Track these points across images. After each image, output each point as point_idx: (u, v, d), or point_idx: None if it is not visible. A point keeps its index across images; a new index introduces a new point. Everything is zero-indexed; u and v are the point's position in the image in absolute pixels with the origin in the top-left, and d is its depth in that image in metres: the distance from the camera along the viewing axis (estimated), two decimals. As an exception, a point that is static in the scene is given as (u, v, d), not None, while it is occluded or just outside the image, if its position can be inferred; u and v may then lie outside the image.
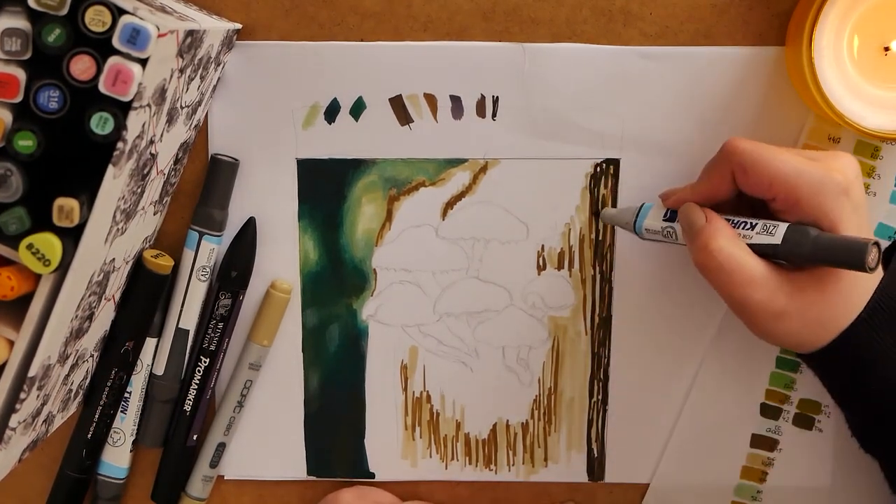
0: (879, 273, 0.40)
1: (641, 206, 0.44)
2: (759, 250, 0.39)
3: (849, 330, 0.39)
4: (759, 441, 0.48)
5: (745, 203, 0.41)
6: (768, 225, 0.39)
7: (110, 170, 0.35)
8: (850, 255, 0.36)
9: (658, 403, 0.48)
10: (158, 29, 0.34)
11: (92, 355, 0.44)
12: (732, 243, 0.39)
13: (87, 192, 0.36)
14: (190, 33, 0.37)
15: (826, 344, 0.39)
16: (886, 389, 0.40)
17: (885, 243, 0.43)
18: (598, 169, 0.46)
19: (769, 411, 0.48)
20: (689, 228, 0.41)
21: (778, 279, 0.39)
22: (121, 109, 0.35)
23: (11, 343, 0.37)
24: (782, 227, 0.38)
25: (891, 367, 0.39)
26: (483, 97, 0.45)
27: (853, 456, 0.47)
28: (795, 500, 0.48)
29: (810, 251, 0.37)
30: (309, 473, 0.49)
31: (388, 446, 0.49)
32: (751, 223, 0.39)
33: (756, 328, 0.40)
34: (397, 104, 0.46)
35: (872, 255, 0.36)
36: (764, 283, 0.38)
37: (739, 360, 0.47)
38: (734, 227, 0.40)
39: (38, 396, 0.39)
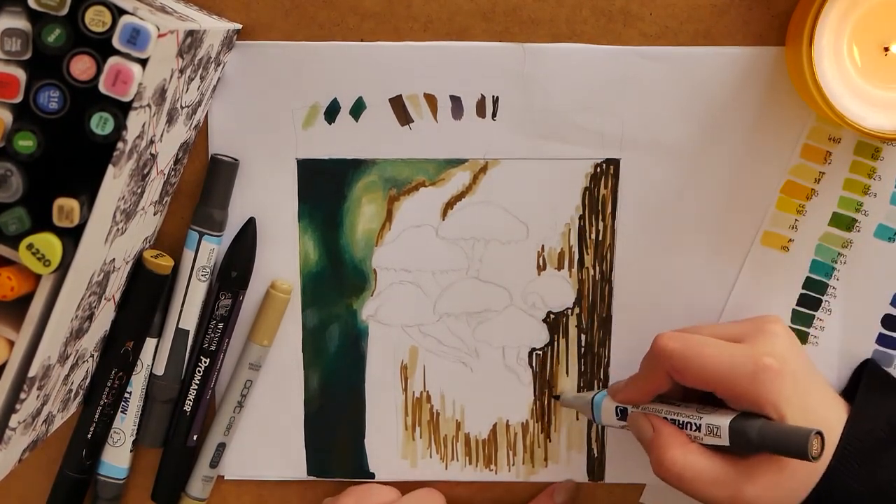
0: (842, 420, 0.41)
1: (594, 395, 0.45)
2: (711, 446, 0.40)
3: (819, 486, 0.40)
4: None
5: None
6: (711, 426, 0.40)
7: (110, 170, 0.35)
8: (794, 447, 0.37)
9: (658, 404, 0.48)
10: (158, 29, 0.34)
11: (92, 355, 0.44)
12: (683, 453, 0.40)
13: (87, 192, 0.36)
14: (190, 33, 0.37)
15: (803, 500, 0.40)
16: None
17: (835, 427, 0.43)
18: (598, 169, 0.46)
19: None
20: (640, 440, 0.42)
21: (735, 472, 0.39)
22: (121, 109, 0.35)
23: (11, 343, 0.37)
24: (725, 427, 0.40)
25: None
26: (483, 97, 0.45)
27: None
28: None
29: (756, 446, 0.39)
30: (309, 473, 0.49)
31: (388, 446, 0.49)
32: (696, 424, 0.41)
33: None
34: (397, 104, 0.46)
35: (814, 445, 0.37)
36: (723, 481, 0.39)
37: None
38: (682, 427, 0.41)
39: (38, 396, 0.39)
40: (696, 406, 0.42)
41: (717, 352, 0.40)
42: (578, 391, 0.48)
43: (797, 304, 0.47)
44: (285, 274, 0.47)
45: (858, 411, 0.42)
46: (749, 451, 0.39)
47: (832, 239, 0.46)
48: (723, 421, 0.40)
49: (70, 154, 0.37)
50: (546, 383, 0.48)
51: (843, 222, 0.46)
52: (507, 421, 0.48)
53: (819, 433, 0.37)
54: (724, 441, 0.40)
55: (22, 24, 0.34)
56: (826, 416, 0.41)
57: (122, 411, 0.47)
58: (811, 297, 0.47)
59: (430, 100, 0.46)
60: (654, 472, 0.41)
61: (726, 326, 0.43)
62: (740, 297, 0.47)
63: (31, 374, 0.37)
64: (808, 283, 0.47)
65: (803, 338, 0.47)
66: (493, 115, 0.46)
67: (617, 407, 0.44)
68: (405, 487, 0.49)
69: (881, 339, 0.47)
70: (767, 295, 0.47)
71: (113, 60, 0.34)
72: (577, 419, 0.48)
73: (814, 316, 0.47)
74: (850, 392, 0.45)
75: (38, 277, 0.36)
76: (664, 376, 0.41)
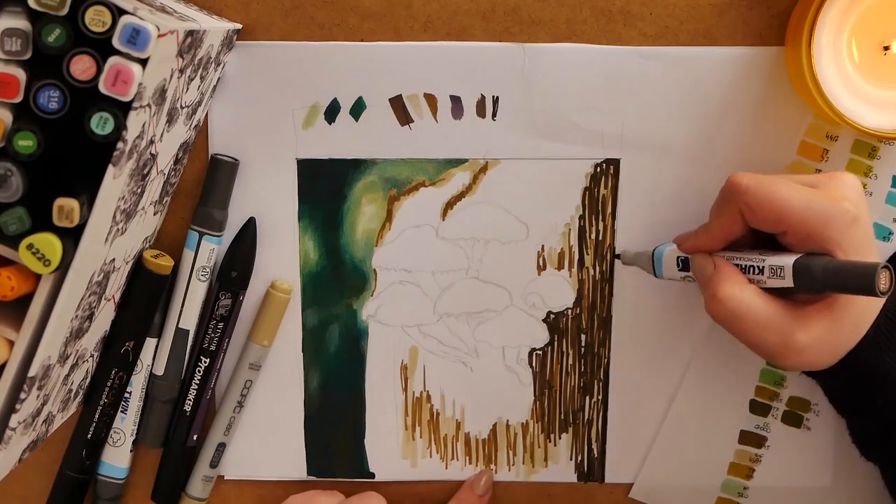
0: None
1: (654, 249, 0.45)
2: (773, 289, 0.39)
3: (856, 349, 0.39)
4: (747, 438, 0.48)
5: (760, 234, 0.41)
6: (775, 267, 0.39)
7: (110, 170, 0.35)
8: (862, 281, 0.36)
9: (658, 403, 0.48)
10: (158, 29, 0.34)
11: (92, 355, 0.44)
12: (741, 289, 0.39)
13: (87, 192, 0.36)
14: (190, 33, 0.37)
15: (834, 363, 0.40)
16: (893, 404, 0.40)
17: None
18: (598, 169, 0.46)
19: (758, 408, 0.48)
20: (700, 278, 0.41)
21: (790, 317, 0.39)
22: (121, 109, 0.35)
23: (11, 343, 0.37)
24: (789, 266, 0.38)
25: None
26: (483, 97, 0.45)
27: (842, 455, 0.47)
28: (782, 498, 0.48)
29: (821, 283, 0.38)
30: (309, 473, 0.49)
31: (388, 446, 0.49)
32: (758, 267, 0.40)
33: (775, 362, 0.40)
34: (397, 104, 0.46)
35: (883, 279, 0.36)
36: (776, 325, 0.39)
37: (730, 357, 0.47)
38: (745, 271, 0.40)
39: (38, 396, 0.39)
40: (760, 250, 0.40)
41: (793, 191, 0.39)
42: (583, 390, 0.48)
43: (796, 303, 0.47)
44: (285, 274, 0.47)
45: None
46: (814, 290, 0.38)
47: (830, 238, 0.46)
48: (787, 261, 0.38)
49: (70, 154, 0.37)
50: (546, 383, 0.48)
51: (841, 221, 0.46)
52: (507, 421, 0.49)
53: (887, 267, 0.36)
54: (789, 281, 0.38)
55: (22, 24, 0.34)
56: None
57: (122, 411, 0.47)
58: (809, 296, 0.47)
59: (430, 100, 0.46)
60: (707, 309, 0.40)
61: (799, 176, 0.41)
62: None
63: (31, 374, 0.37)
64: (807, 282, 0.47)
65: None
66: (493, 115, 0.46)
67: (679, 257, 0.43)
68: (405, 487, 0.49)
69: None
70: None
71: (113, 60, 0.34)
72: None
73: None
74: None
75: (38, 277, 0.36)
76: (737, 217, 0.40)
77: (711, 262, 0.41)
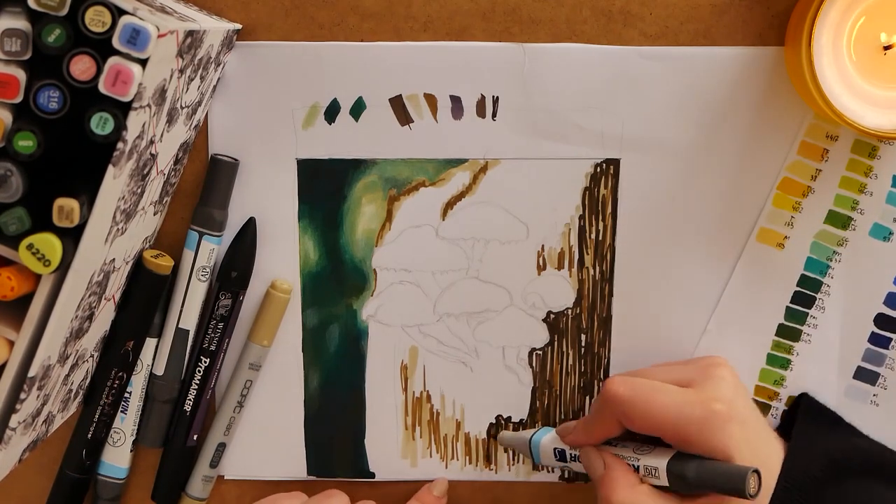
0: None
1: (534, 433, 0.46)
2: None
3: None
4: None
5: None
6: (649, 468, 0.41)
7: (110, 170, 0.35)
8: (732, 485, 0.38)
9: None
10: (158, 29, 0.34)
11: (92, 355, 0.44)
12: (633, 493, 0.40)
13: (87, 192, 0.36)
14: (190, 33, 0.37)
15: None
16: None
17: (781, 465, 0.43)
18: (598, 169, 0.46)
19: (758, 408, 0.48)
20: (591, 474, 0.43)
21: None
22: (121, 110, 0.35)
23: (11, 343, 0.37)
24: (662, 468, 0.40)
25: None
26: (483, 97, 0.45)
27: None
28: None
29: (694, 484, 0.39)
30: (309, 473, 0.49)
31: (388, 446, 0.49)
32: (633, 465, 0.41)
33: None
34: (397, 104, 0.46)
35: (752, 483, 0.37)
36: None
37: (730, 357, 0.47)
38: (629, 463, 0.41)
39: (38, 396, 0.39)
40: (634, 446, 0.42)
41: (666, 399, 0.40)
42: (583, 390, 0.48)
43: (791, 302, 0.47)
44: (285, 274, 0.47)
45: (795, 448, 0.42)
46: (689, 490, 0.40)
47: (827, 237, 0.46)
48: (660, 462, 0.40)
49: (70, 154, 0.37)
50: (546, 383, 0.48)
51: (838, 220, 0.46)
52: (508, 421, 0.49)
53: (756, 471, 0.38)
54: (664, 482, 0.40)
55: (22, 24, 0.34)
56: (768, 454, 0.41)
57: (122, 411, 0.47)
58: (805, 295, 0.47)
59: (430, 100, 0.46)
60: None
61: (674, 369, 0.43)
62: (735, 294, 0.47)
63: (31, 374, 0.37)
64: (803, 281, 0.47)
65: (796, 335, 0.47)
66: (493, 115, 0.46)
67: (556, 448, 0.45)
68: (405, 487, 0.49)
69: (873, 338, 0.47)
70: (761, 292, 0.47)
71: (113, 60, 0.34)
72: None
73: (807, 314, 0.47)
74: (785, 427, 0.46)
75: (38, 277, 0.36)
76: (615, 421, 0.42)
77: (601, 460, 0.42)
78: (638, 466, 0.41)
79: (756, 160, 0.46)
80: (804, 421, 0.45)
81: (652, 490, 0.41)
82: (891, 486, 0.42)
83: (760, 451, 0.41)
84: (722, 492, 0.39)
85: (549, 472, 0.49)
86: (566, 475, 0.49)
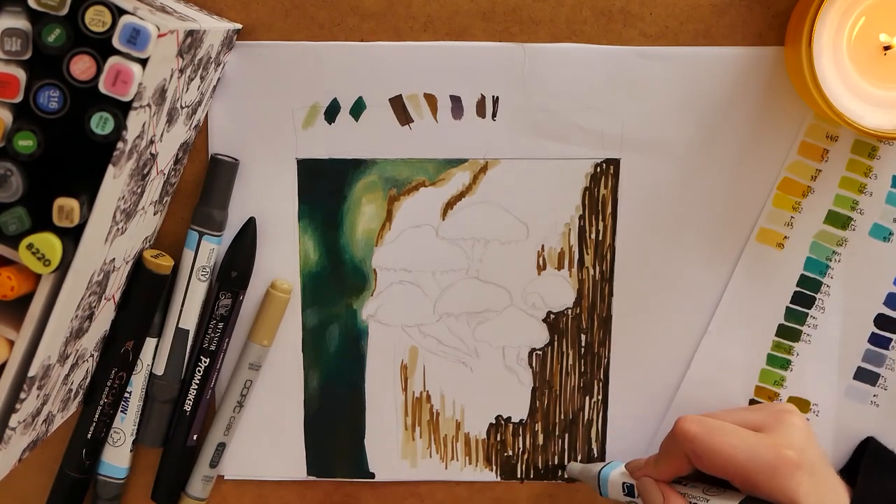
0: None
1: (603, 466, 0.46)
2: None
3: None
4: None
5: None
6: None
7: (110, 170, 0.35)
8: None
9: (659, 403, 0.48)
10: (158, 29, 0.34)
11: (92, 355, 0.44)
12: None
13: (87, 192, 0.36)
14: (190, 33, 0.37)
15: None
16: None
17: None
18: (598, 169, 0.46)
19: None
20: None
21: None
22: (121, 109, 0.35)
23: (11, 343, 0.37)
24: None
25: None
26: (483, 97, 0.45)
27: (840, 456, 0.47)
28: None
29: None
30: (309, 473, 0.49)
31: (388, 446, 0.49)
32: (704, 499, 0.41)
33: None
34: (397, 104, 0.46)
35: None
36: None
37: (731, 356, 0.47)
38: (690, 501, 0.41)
39: (38, 396, 0.39)
40: (704, 487, 0.42)
41: (737, 441, 0.40)
42: (583, 390, 0.48)
43: (791, 302, 0.47)
44: (285, 274, 0.47)
45: (860, 494, 0.42)
46: None
47: (827, 237, 0.46)
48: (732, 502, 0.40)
49: (70, 154, 0.37)
50: (546, 383, 0.48)
51: (838, 220, 0.46)
52: (507, 421, 0.49)
53: None
54: None
55: (22, 24, 0.34)
56: (834, 502, 0.41)
57: (122, 411, 0.47)
58: (805, 295, 0.47)
59: (430, 100, 0.46)
60: None
61: (746, 413, 0.43)
62: (735, 294, 0.47)
63: (31, 373, 0.37)
64: (803, 281, 0.47)
65: (796, 336, 0.47)
66: (493, 115, 0.46)
67: (625, 483, 0.44)
68: (405, 487, 0.49)
69: (873, 339, 0.47)
70: (761, 292, 0.47)
71: (113, 60, 0.34)
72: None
73: (807, 314, 0.47)
74: (850, 469, 0.46)
75: (38, 277, 0.36)
76: (685, 460, 0.42)
77: (660, 494, 0.42)
78: (709, 500, 0.41)
79: (756, 160, 0.46)
80: (870, 465, 0.44)
81: None
82: None
83: (826, 499, 0.41)
84: None
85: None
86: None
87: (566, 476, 0.48)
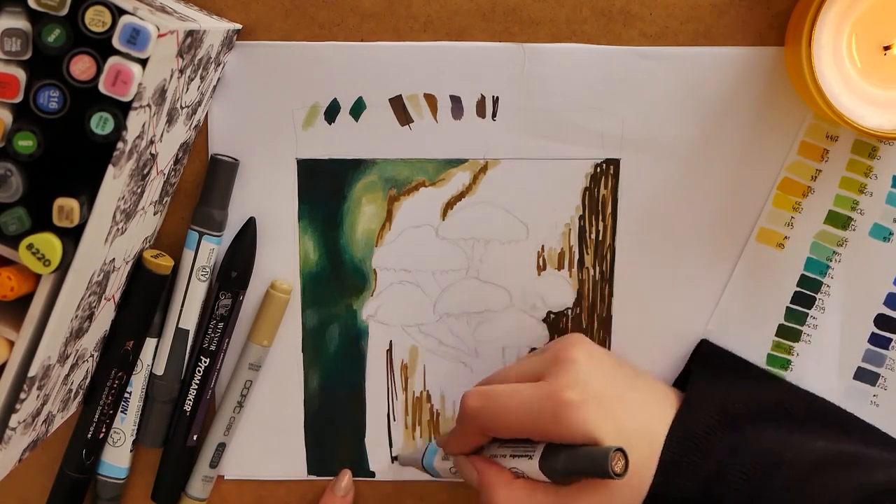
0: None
1: (424, 453, 0.46)
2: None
3: (651, 489, 0.39)
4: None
5: None
6: (519, 472, 0.41)
7: (110, 170, 0.35)
8: (598, 468, 0.37)
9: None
10: (158, 29, 0.34)
11: (92, 355, 0.44)
12: (509, 490, 0.40)
13: (87, 192, 0.36)
14: (190, 33, 0.37)
15: None
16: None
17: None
18: (598, 169, 0.46)
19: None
20: (471, 484, 0.42)
21: (562, 499, 0.39)
22: (121, 109, 0.35)
23: (11, 343, 0.37)
24: (535, 467, 0.40)
25: None
26: (483, 97, 0.45)
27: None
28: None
29: (565, 474, 0.39)
30: (309, 473, 0.49)
31: (388, 446, 0.49)
32: (512, 467, 0.41)
33: None
34: (397, 104, 0.46)
35: (616, 462, 0.37)
36: None
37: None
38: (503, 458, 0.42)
39: (38, 396, 0.39)
40: (512, 446, 0.42)
41: (517, 401, 0.40)
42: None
43: (791, 302, 0.47)
44: (285, 274, 0.47)
45: (686, 402, 0.41)
46: (565, 480, 0.40)
47: (827, 237, 0.46)
48: (531, 464, 0.40)
49: (70, 154, 0.37)
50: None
51: (838, 220, 0.46)
52: (507, 420, 0.49)
53: (619, 450, 0.37)
54: (542, 478, 0.40)
55: (22, 24, 0.34)
56: (650, 420, 0.41)
57: (122, 411, 0.47)
58: (805, 295, 0.47)
59: (430, 100, 0.46)
60: None
61: (529, 362, 0.43)
62: (734, 294, 0.47)
63: (31, 374, 0.37)
64: (803, 281, 0.47)
65: (796, 336, 0.47)
66: (493, 115, 0.46)
67: (451, 468, 0.45)
68: (405, 487, 0.49)
69: (873, 339, 0.47)
70: (761, 292, 0.47)
71: (113, 60, 0.34)
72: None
73: (807, 314, 0.47)
74: (686, 377, 0.45)
75: (38, 277, 0.36)
76: (478, 432, 0.42)
77: (473, 469, 0.42)
78: (516, 468, 0.41)
79: (756, 160, 0.46)
80: (698, 374, 0.44)
81: (528, 484, 0.40)
82: (794, 430, 0.42)
83: (640, 418, 0.40)
84: (592, 475, 0.38)
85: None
86: None
87: (401, 464, 0.48)
